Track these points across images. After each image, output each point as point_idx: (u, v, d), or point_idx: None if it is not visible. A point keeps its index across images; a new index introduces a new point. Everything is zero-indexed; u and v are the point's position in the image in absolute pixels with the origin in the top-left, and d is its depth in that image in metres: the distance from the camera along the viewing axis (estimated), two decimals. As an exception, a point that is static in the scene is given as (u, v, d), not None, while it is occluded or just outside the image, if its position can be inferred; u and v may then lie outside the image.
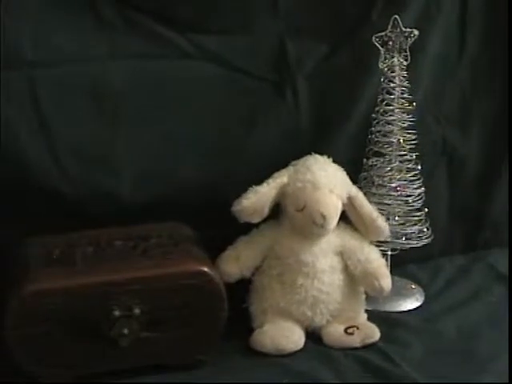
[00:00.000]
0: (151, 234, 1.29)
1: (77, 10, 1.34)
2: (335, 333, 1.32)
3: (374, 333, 1.33)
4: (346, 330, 1.32)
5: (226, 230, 1.31)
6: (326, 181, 1.30)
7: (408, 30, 1.39)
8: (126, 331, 1.13)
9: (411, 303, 1.49)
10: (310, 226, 1.30)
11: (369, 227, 1.36)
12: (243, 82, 1.46)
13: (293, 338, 1.29)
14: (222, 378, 1.19)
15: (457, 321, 1.40)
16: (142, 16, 1.38)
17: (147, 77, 1.40)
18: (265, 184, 1.31)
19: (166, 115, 1.43)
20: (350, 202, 1.34)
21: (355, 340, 1.31)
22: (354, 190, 1.36)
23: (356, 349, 1.30)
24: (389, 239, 1.43)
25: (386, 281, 1.34)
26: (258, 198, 1.30)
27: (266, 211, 1.32)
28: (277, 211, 1.35)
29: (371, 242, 1.38)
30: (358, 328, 1.32)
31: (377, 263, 1.35)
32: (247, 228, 1.35)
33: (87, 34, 1.36)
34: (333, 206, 1.31)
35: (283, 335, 1.28)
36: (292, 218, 1.33)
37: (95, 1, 1.35)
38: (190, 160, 1.45)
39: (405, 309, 1.47)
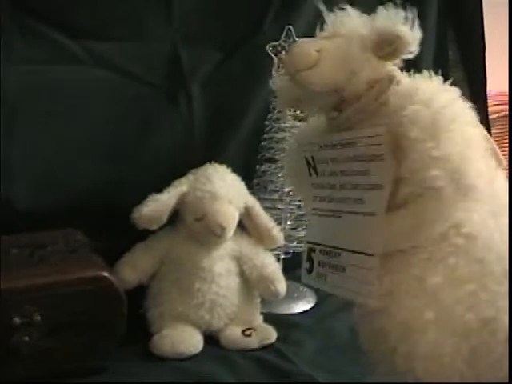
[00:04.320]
0: (47, 241, 1.27)
1: None
2: (233, 335, 1.34)
3: (271, 334, 1.35)
4: (243, 332, 1.34)
5: (122, 236, 1.31)
6: (225, 192, 1.32)
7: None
8: (26, 338, 1.10)
9: (303, 305, 1.52)
10: (208, 236, 1.32)
11: (264, 236, 1.39)
12: (137, 89, 1.47)
13: (192, 341, 1.30)
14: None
15: (349, 321, 1.42)
16: (36, 22, 1.37)
17: (42, 83, 1.39)
18: (165, 192, 1.32)
19: (61, 121, 1.41)
20: (246, 211, 1.37)
21: (253, 342, 1.33)
22: (251, 200, 1.39)
23: (254, 350, 1.32)
24: (282, 243, 1.46)
25: (281, 285, 1.37)
26: (157, 206, 1.30)
27: (164, 219, 1.32)
28: (173, 217, 1.35)
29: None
30: (255, 330, 1.34)
31: (272, 268, 1.38)
32: (145, 235, 1.35)
33: None
34: (231, 217, 1.33)
35: (182, 339, 1.28)
36: (190, 226, 1.34)
37: None
38: (86, 166, 1.44)
39: (297, 311, 1.50)
